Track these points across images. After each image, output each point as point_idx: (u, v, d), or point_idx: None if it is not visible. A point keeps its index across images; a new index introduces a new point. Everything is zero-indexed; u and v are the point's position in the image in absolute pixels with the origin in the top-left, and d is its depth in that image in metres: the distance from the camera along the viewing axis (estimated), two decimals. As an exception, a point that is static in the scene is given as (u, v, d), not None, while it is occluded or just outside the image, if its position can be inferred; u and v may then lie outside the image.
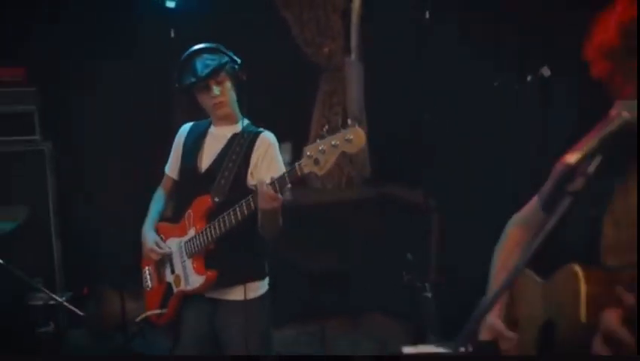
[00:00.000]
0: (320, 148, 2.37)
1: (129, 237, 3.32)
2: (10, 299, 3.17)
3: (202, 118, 2.97)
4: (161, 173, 3.07)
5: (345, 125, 2.37)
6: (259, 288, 2.84)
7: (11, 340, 3.53)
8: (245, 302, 2.77)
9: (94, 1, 4.37)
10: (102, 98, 4.57)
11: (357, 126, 2.35)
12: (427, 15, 3.69)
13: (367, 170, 5.73)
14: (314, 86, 5.67)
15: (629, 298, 1.23)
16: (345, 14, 5.59)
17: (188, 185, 2.91)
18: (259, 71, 4.68)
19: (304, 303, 4.27)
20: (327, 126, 2.47)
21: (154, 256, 2.88)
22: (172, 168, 3.02)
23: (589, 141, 1.33)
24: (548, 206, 1.69)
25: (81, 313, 2.92)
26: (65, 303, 2.89)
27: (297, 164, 2.44)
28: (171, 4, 3.97)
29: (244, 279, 2.77)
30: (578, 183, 1.32)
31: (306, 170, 2.43)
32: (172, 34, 4.11)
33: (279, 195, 2.48)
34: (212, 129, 2.88)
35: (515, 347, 1.66)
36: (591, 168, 1.32)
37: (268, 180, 2.49)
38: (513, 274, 1.34)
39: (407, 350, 1.61)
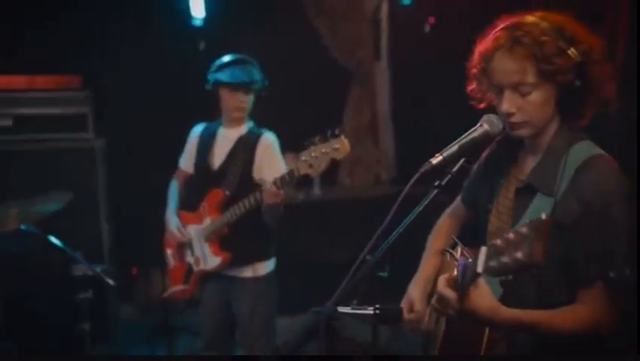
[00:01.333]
0: (312, 155, 2.75)
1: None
2: (57, 270, 3.70)
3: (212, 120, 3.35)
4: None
5: (334, 135, 2.74)
6: (266, 267, 3.24)
7: (57, 305, 4.04)
8: (255, 279, 3.21)
9: (139, 21, 4.78)
10: (143, 101, 4.94)
11: (343, 137, 2.73)
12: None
13: (394, 169, 6.02)
14: (344, 91, 5.96)
15: (458, 266, 1.55)
16: (375, 23, 5.90)
17: (202, 180, 3.30)
18: (294, 77, 5.00)
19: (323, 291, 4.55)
20: (319, 136, 2.81)
21: (177, 239, 3.30)
22: (186, 162, 3.42)
23: (452, 146, 1.67)
24: (466, 199, 2.02)
25: (112, 283, 3.38)
26: (101, 273, 3.36)
27: (295, 166, 2.82)
28: (197, 22, 4.34)
29: (253, 259, 3.20)
30: (444, 180, 1.67)
31: (302, 172, 2.81)
32: (202, 47, 4.49)
33: (281, 192, 2.88)
34: (221, 130, 3.26)
35: (418, 322, 1.98)
36: (452, 168, 1.67)
37: (271, 179, 2.90)
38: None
39: (342, 309, 1.95)
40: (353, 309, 1.95)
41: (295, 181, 2.92)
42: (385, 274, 2.08)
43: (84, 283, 3.46)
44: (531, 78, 1.57)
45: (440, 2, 4.46)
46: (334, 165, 4.52)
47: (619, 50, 2.98)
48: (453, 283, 1.52)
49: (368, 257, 2.02)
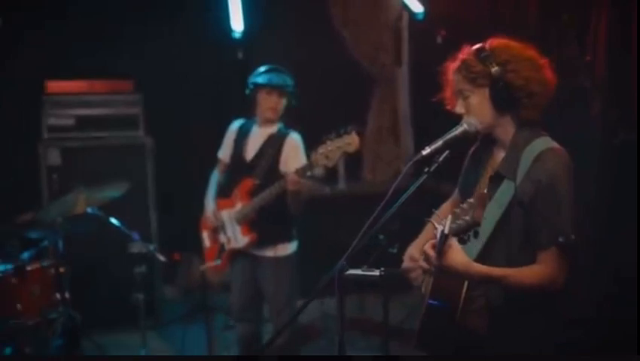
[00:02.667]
0: (328, 148, 3.20)
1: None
2: (117, 247, 4.13)
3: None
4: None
5: (346, 132, 3.18)
6: (288, 248, 3.68)
7: (116, 278, 4.51)
8: (276, 258, 3.65)
9: (186, 33, 5.18)
10: (187, 104, 5.33)
11: (354, 133, 3.17)
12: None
13: (412, 166, 6.30)
14: (368, 94, 6.24)
15: (436, 232, 1.99)
16: (396, 31, 6.14)
17: (236, 170, 3.73)
18: (322, 81, 5.33)
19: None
20: (333, 133, 3.24)
21: (212, 222, 3.75)
22: (223, 153, 3.84)
23: (438, 141, 2.14)
24: (459, 186, 2.48)
25: (163, 259, 3.90)
26: (154, 251, 3.89)
27: (313, 158, 3.25)
28: (237, 35, 4.74)
29: (276, 240, 3.64)
30: (432, 167, 2.14)
31: (320, 163, 3.25)
32: (241, 56, 4.88)
33: (302, 180, 3.34)
34: (255, 128, 3.70)
35: (416, 276, 2.43)
36: (438, 157, 2.13)
37: (294, 170, 3.36)
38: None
39: (353, 271, 2.36)
40: (363, 271, 2.43)
41: (313, 171, 3.34)
42: (394, 250, 2.56)
43: (139, 259, 4.01)
44: (465, 85, 2.10)
45: (448, 18, 4.80)
46: (359, 162, 4.93)
47: (599, 63, 3.37)
48: (433, 245, 1.99)
49: (381, 237, 2.51)
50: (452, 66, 2.15)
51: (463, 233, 1.86)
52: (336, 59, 5.86)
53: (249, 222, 3.60)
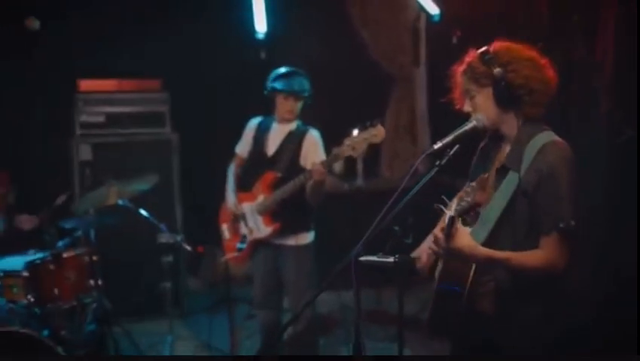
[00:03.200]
0: (354, 140, 3.37)
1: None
2: (145, 237, 4.32)
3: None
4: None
5: (372, 125, 3.37)
6: (308, 237, 3.84)
7: (144, 265, 4.72)
8: (297, 247, 3.81)
9: (210, 34, 5.30)
10: (211, 102, 5.50)
11: (379, 125, 3.36)
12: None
13: (428, 163, 6.41)
14: (387, 94, 6.39)
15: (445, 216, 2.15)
16: (414, 32, 6.29)
17: (257, 164, 3.88)
18: (342, 81, 5.43)
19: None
20: (359, 126, 3.41)
21: (233, 214, 3.89)
22: (241, 149, 4.00)
23: (449, 137, 2.30)
24: (471, 178, 2.63)
25: (189, 249, 4.08)
26: (181, 241, 4.07)
27: (340, 149, 3.42)
28: (260, 36, 4.91)
29: (297, 230, 3.80)
30: (443, 160, 2.31)
31: (346, 153, 3.42)
32: (263, 56, 5.06)
33: (326, 171, 3.50)
34: (275, 125, 3.86)
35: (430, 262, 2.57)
36: (449, 151, 2.30)
37: (319, 160, 3.53)
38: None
39: (369, 257, 2.52)
40: (378, 258, 2.59)
41: (338, 161, 3.56)
42: (409, 240, 2.72)
43: (167, 249, 4.21)
44: (470, 86, 2.27)
45: (463, 19, 4.93)
46: (376, 159, 5.02)
47: (607, 64, 3.50)
48: (442, 229, 2.15)
49: (396, 228, 2.66)
50: (460, 68, 2.32)
51: (466, 214, 2.03)
52: (355, 58, 6.00)
53: (271, 213, 3.76)
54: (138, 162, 4.85)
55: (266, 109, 3.96)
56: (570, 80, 2.38)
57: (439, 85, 6.17)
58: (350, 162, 5.41)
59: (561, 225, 2.15)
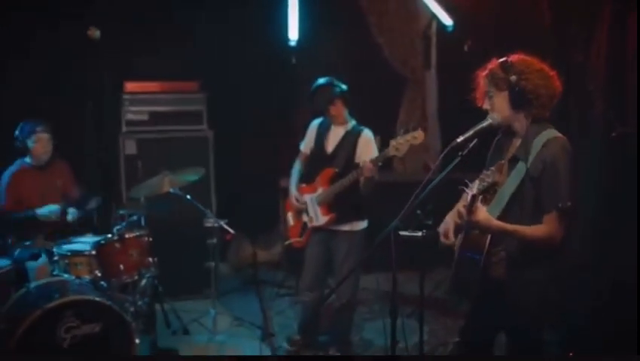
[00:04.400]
0: (399, 142, 3.78)
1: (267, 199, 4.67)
2: (193, 222, 4.72)
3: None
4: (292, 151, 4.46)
5: (414, 128, 3.80)
6: (360, 225, 4.23)
7: (190, 246, 5.12)
8: (352, 232, 4.20)
9: (247, 39, 5.70)
10: (245, 102, 5.85)
11: (419, 130, 3.80)
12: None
13: (440, 158, 6.72)
14: (400, 94, 6.75)
15: (468, 195, 2.64)
16: (426, 39, 6.68)
17: (318, 159, 4.29)
18: (362, 82, 5.83)
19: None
20: (403, 129, 3.86)
21: (296, 205, 4.31)
22: (306, 146, 4.41)
23: (469, 131, 2.80)
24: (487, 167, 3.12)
25: (232, 231, 4.53)
26: (224, 225, 4.45)
27: (387, 150, 3.83)
28: (292, 43, 5.34)
29: (351, 219, 4.20)
30: (465, 151, 2.81)
31: (391, 153, 3.83)
32: (294, 60, 5.48)
33: (376, 167, 3.90)
34: (332, 127, 4.27)
35: (449, 240, 3.03)
36: (469, 144, 2.80)
37: (369, 159, 3.91)
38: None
39: (402, 232, 3.01)
40: (409, 232, 3.10)
41: (386, 162, 3.92)
42: (429, 222, 3.22)
43: (211, 232, 4.68)
44: (490, 88, 2.75)
45: (476, 31, 5.37)
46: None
47: (601, 70, 3.97)
48: (464, 205, 2.65)
49: (418, 212, 3.16)
50: (482, 73, 2.82)
51: (486, 192, 2.54)
52: (373, 62, 6.39)
53: (328, 205, 4.19)
54: (178, 156, 5.19)
55: (296, 108, 4.40)
56: (569, 84, 2.79)
57: (448, 86, 6.57)
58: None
59: (560, 205, 2.65)
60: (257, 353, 4.41)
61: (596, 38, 4.09)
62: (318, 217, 4.23)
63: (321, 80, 4.24)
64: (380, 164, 3.92)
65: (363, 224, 4.25)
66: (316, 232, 4.28)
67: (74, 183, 4.75)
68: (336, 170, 4.17)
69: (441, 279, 5.20)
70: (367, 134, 4.22)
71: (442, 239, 3.04)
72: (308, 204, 4.29)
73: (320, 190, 4.23)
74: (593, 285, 4.01)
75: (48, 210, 4.36)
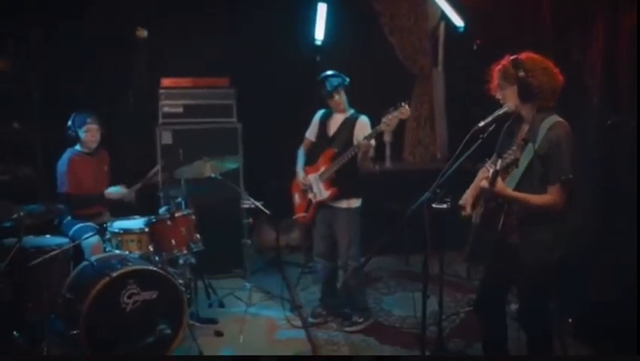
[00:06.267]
0: (389, 117, 4.27)
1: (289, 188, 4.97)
2: (231, 203, 5.22)
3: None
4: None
5: (401, 105, 4.27)
6: (357, 202, 4.68)
7: (229, 223, 5.55)
8: (348, 209, 4.67)
9: (276, 40, 6.06)
10: (272, 97, 6.19)
11: (405, 106, 4.26)
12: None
13: (446, 149, 7.13)
14: (410, 90, 7.16)
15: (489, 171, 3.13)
16: (434, 37, 7.09)
17: (320, 144, 4.76)
18: (374, 78, 6.23)
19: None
20: (392, 107, 4.31)
21: (301, 186, 4.79)
22: (311, 133, 4.87)
23: (489, 118, 3.29)
24: (498, 149, 3.60)
25: (268, 212, 4.99)
26: (260, 206, 4.86)
27: (378, 126, 4.30)
28: (318, 42, 5.78)
29: (349, 195, 4.66)
30: (485, 134, 3.30)
31: (382, 128, 4.30)
32: (318, 58, 5.89)
33: (369, 143, 4.37)
34: (334, 115, 4.75)
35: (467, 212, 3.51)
36: (489, 128, 3.29)
37: (363, 137, 4.40)
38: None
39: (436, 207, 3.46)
40: (436, 205, 3.57)
41: (376, 135, 4.35)
42: (448, 199, 3.68)
43: (248, 213, 5.14)
44: (502, 82, 3.21)
45: (485, 31, 5.80)
46: (401, 145, 5.77)
47: (597, 66, 4.45)
48: (486, 178, 3.13)
49: (438, 190, 3.62)
50: (496, 68, 3.28)
51: (509, 167, 3.04)
52: (385, 60, 6.82)
53: (330, 180, 4.65)
54: (210, 145, 5.45)
55: (318, 103, 4.78)
56: (569, 79, 3.18)
57: (454, 82, 6.98)
58: (380, 149, 6.23)
59: (562, 177, 3.12)
60: (287, 324, 4.85)
61: (593, 39, 4.51)
62: (322, 192, 4.67)
63: (328, 72, 4.68)
64: (373, 140, 4.39)
65: (358, 202, 4.68)
66: (319, 207, 4.73)
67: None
68: (336, 150, 4.61)
69: (449, 261, 5.50)
70: (363, 119, 4.66)
71: (462, 211, 3.53)
72: (312, 182, 4.73)
73: (323, 169, 4.67)
74: (592, 284, 4.16)
75: (115, 189, 4.90)
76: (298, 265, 6.30)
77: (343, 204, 4.67)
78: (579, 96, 4.54)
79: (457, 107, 6.81)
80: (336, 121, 4.77)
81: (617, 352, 3.62)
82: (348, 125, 4.70)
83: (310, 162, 4.87)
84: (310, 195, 4.81)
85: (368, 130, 4.54)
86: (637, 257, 3.71)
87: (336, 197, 4.66)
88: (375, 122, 4.50)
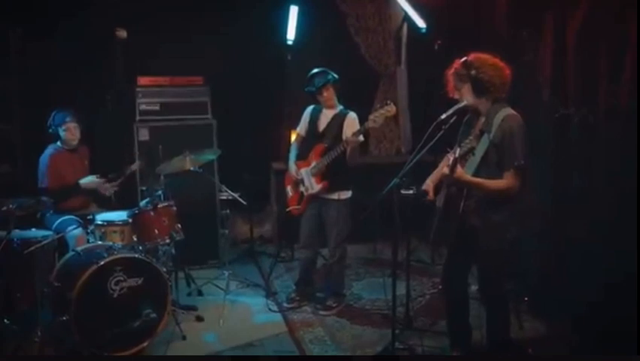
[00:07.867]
0: (375, 115, 4.47)
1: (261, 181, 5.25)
2: (210, 195, 5.43)
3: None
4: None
5: (387, 104, 4.49)
6: (346, 194, 4.90)
7: (205, 215, 5.75)
8: (339, 200, 4.88)
9: (248, 39, 6.22)
10: (245, 95, 6.36)
11: (392, 104, 4.47)
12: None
13: (410, 143, 7.39)
14: (375, 87, 7.41)
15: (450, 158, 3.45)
16: (397, 38, 7.36)
17: (311, 139, 4.95)
18: (341, 76, 6.44)
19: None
20: (379, 105, 4.53)
21: (294, 178, 4.96)
22: (301, 128, 5.06)
23: (450, 110, 3.63)
24: (458, 139, 3.93)
25: (245, 203, 5.25)
26: (237, 197, 5.18)
27: (366, 123, 4.52)
28: (289, 42, 5.95)
29: (339, 188, 4.87)
30: (447, 125, 3.64)
31: (370, 125, 4.50)
32: (289, 57, 6.06)
33: (358, 138, 4.58)
34: (324, 110, 4.95)
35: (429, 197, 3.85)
36: (450, 120, 3.64)
37: (351, 133, 4.63)
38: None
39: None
40: (403, 191, 3.90)
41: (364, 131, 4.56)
42: (412, 187, 4.01)
43: (225, 204, 5.39)
44: (457, 83, 3.53)
45: (446, 32, 6.11)
46: (367, 140, 5.99)
47: (547, 64, 4.81)
48: (447, 166, 3.44)
49: (404, 179, 3.93)
50: (449, 72, 3.60)
51: (466, 155, 3.38)
52: (351, 59, 7.06)
53: (321, 174, 4.85)
54: (186, 141, 5.42)
55: (290, 100, 5.07)
56: (521, 75, 3.46)
57: (416, 80, 7.31)
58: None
59: (515, 163, 3.45)
60: (264, 309, 5.10)
61: (543, 41, 4.86)
62: (313, 186, 4.87)
63: (318, 69, 4.88)
64: (362, 136, 4.59)
65: (348, 194, 4.88)
66: (311, 200, 4.92)
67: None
68: (326, 145, 4.81)
69: (413, 248, 5.93)
70: (352, 115, 4.87)
71: (426, 196, 3.84)
72: (304, 176, 4.93)
73: (314, 163, 4.86)
74: (591, 284, 4.16)
75: (89, 179, 5.11)
76: (271, 255, 6.53)
77: (334, 195, 4.84)
78: (531, 92, 4.89)
79: (419, 103, 7.04)
80: (326, 117, 4.94)
81: (617, 352, 3.69)
82: (338, 120, 4.87)
83: (301, 156, 5.04)
84: (302, 189, 4.98)
85: (356, 126, 4.72)
86: (637, 257, 3.80)
87: (327, 190, 4.83)
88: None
